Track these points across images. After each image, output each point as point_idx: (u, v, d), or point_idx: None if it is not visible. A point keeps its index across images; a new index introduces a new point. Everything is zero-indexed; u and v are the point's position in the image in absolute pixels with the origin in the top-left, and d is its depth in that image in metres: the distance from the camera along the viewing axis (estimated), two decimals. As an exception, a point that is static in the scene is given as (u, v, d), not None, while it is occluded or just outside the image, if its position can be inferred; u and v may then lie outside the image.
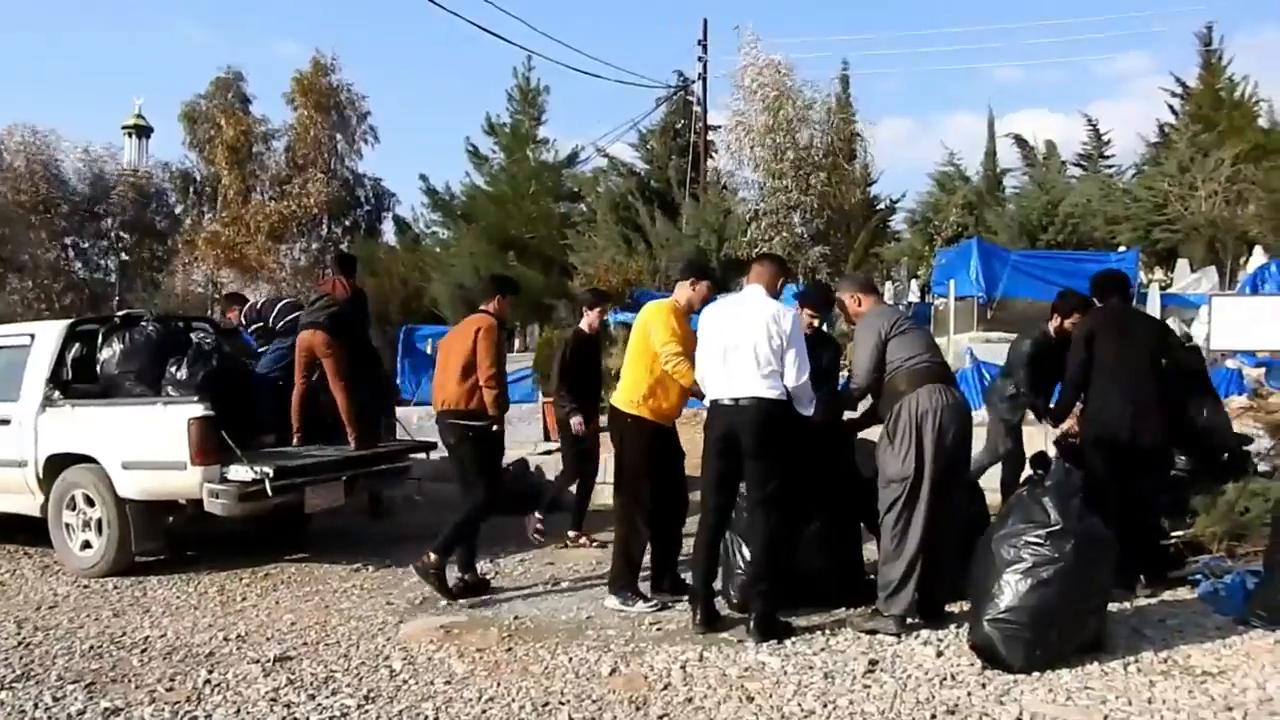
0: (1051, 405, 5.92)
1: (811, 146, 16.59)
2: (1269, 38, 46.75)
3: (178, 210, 29.31)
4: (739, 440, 4.56)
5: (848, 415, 5.22)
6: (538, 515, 7.12)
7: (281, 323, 7.64)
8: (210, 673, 4.27)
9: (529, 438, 10.30)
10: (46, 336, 6.94)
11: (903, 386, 4.58)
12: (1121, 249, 16.36)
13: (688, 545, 5.08)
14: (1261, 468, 6.32)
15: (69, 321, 7.18)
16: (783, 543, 4.62)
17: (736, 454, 4.60)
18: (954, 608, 4.66)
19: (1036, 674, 3.88)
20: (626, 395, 5.12)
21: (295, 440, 7.00)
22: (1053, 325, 6.25)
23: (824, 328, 5.91)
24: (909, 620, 4.51)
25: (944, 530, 4.52)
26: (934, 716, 3.55)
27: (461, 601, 5.43)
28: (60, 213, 25.85)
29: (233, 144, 25.77)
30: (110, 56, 69.75)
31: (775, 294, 4.83)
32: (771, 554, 4.55)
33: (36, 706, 3.92)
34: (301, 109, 26.26)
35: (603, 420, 6.19)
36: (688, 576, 4.96)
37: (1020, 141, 25.25)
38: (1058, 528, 4.01)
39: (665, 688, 3.92)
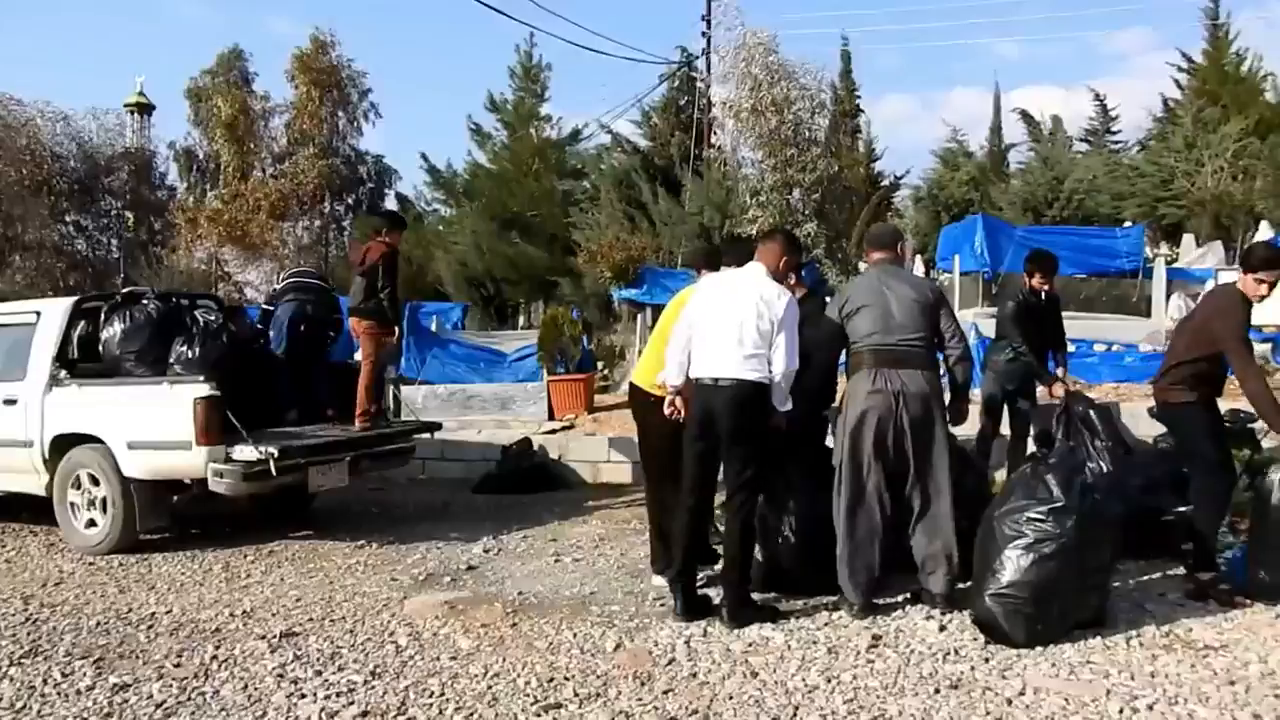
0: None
1: (801, 123, 16.41)
2: (1275, 11, 46.22)
3: (180, 188, 29.22)
4: (716, 421, 4.36)
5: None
6: None
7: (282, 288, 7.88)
8: (217, 649, 4.29)
9: (534, 417, 10.29)
10: (53, 314, 6.89)
11: (855, 367, 4.51)
12: (1127, 224, 16.27)
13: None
14: (1266, 444, 6.32)
15: (75, 299, 7.14)
16: (754, 531, 4.53)
17: (715, 435, 4.39)
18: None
19: (1039, 649, 3.90)
20: (648, 374, 4.96)
21: (358, 422, 7.00)
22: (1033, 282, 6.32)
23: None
24: (861, 600, 4.40)
25: (922, 512, 4.44)
26: (937, 691, 3.57)
27: (467, 577, 5.48)
28: (58, 190, 25.70)
29: (229, 121, 25.65)
30: (107, 33, 69.20)
31: (780, 275, 4.53)
32: (744, 542, 4.44)
33: (46, 682, 3.95)
34: (301, 86, 26.15)
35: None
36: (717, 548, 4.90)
37: (1026, 117, 25.00)
38: (1060, 504, 4.01)
39: (670, 663, 3.94)
